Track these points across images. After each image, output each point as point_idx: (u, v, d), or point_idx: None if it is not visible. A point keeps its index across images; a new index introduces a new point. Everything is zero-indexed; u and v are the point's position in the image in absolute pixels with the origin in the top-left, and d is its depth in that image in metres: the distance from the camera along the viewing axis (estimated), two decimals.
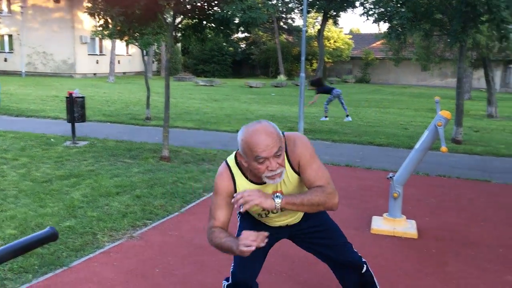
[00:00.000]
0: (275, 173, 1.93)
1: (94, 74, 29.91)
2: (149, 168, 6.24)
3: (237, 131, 8.23)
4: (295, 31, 37.66)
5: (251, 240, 1.84)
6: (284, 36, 38.29)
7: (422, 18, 8.84)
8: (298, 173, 2.08)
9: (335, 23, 34.43)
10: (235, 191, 2.07)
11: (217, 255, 3.56)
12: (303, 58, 10.05)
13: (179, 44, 31.76)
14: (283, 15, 37.83)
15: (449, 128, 10.21)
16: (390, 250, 3.83)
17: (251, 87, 25.13)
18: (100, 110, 12.57)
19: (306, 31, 11.50)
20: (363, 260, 2.41)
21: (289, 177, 2.07)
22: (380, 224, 4.29)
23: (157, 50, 32.68)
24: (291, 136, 2.09)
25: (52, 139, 8.03)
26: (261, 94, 20.83)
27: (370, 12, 9.65)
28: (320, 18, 34.01)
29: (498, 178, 6.42)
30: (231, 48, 37.94)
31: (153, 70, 33.52)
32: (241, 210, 1.89)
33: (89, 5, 6.43)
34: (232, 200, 1.93)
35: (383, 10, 9.68)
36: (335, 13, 29.89)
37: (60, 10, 28.13)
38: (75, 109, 7.67)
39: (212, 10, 6.82)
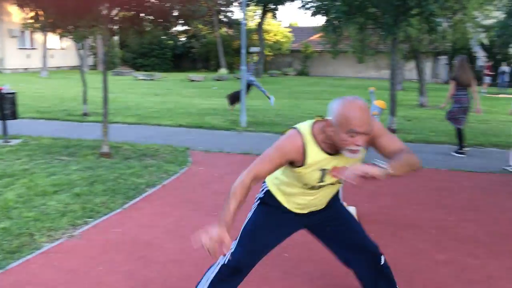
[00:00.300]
0: (357, 148, 2.03)
1: (25, 69, 28.38)
2: (88, 165, 6.06)
3: (180, 125, 8.10)
4: (235, 24, 37.62)
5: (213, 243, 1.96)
6: (225, 29, 38.17)
7: (357, 11, 9.13)
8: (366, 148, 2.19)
9: (274, 16, 34.77)
10: (304, 158, 2.14)
11: (164, 249, 3.55)
12: (243, 51, 10.10)
13: (116, 37, 30.82)
14: (223, 8, 37.69)
15: (384, 118, 10.66)
16: None
17: (192, 80, 24.88)
18: (33, 106, 11.99)
19: (246, 24, 11.55)
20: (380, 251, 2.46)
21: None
22: None
23: (93, 44, 31.53)
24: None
25: None
26: (203, 88, 20.69)
27: (308, 6, 9.85)
28: (259, 11, 34.20)
29: (430, 163, 6.79)
30: (170, 42, 37.30)
31: (89, 65, 32.32)
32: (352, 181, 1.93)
33: None
34: (352, 174, 1.94)
35: (320, 3, 9.92)
36: (274, 6, 30.16)
37: None
38: (5, 106, 7.28)
39: (150, 2, 6.69)
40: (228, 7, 37.40)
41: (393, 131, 9.48)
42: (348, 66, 34.58)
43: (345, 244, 2.46)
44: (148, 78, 25.29)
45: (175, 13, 6.86)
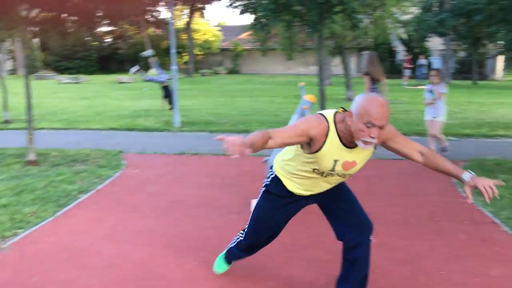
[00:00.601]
0: (371, 140, 2.24)
1: None
2: (14, 174, 5.74)
3: (110, 128, 7.86)
4: (162, 24, 36.99)
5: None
6: (152, 29, 37.42)
7: (283, 9, 9.34)
8: (375, 147, 2.41)
9: (202, 15, 34.61)
10: (324, 142, 2.33)
11: (101, 254, 3.46)
12: (173, 51, 9.99)
13: (36, 40, 29.26)
14: (150, 8, 36.92)
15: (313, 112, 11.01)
16: None
17: (121, 82, 24.21)
18: None
19: (174, 24, 11.44)
20: None
21: (368, 150, 2.42)
22: None
23: (11, 47, 29.70)
24: None
25: None
26: (133, 89, 20.21)
27: (235, 4, 9.92)
28: (187, 11, 33.89)
29: None
30: (95, 43, 36.02)
31: (8, 69, 30.44)
32: None
33: None
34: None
35: (247, 1, 10.03)
36: (201, 5, 30.02)
37: None
38: None
39: (72, 3, 6.45)
40: (155, 6, 36.68)
41: None
42: (278, 63, 35.17)
43: (344, 212, 2.64)
44: (73, 82, 24.29)
45: (100, 13, 6.66)
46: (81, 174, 5.77)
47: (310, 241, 3.77)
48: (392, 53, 34.44)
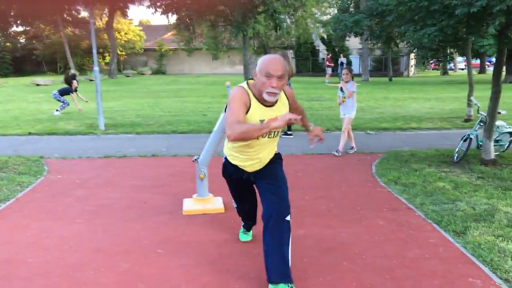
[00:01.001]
0: (274, 91, 2.67)
1: None
2: None
3: (29, 133, 7.61)
4: (81, 23, 35.53)
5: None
6: (70, 28, 35.82)
7: (207, 9, 9.41)
8: (289, 102, 2.97)
9: (124, 14, 33.68)
10: (249, 107, 2.76)
11: (26, 264, 3.33)
12: (94, 51, 9.69)
13: None
14: (66, 6, 35.30)
15: None
16: (203, 225, 4.12)
17: (38, 85, 22.97)
18: None
19: (94, 23, 11.08)
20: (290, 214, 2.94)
21: (284, 103, 2.91)
22: (191, 205, 4.56)
23: None
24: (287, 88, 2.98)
25: None
26: (51, 92, 19.23)
27: (158, 4, 9.83)
28: (107, 9, 32.80)
29: (286, 151, 7.34)
30: (8, 44, 33.83)
31: None
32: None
33: None
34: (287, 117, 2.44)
35: (170, 1, 9.97)
36: (122, 4, 29.22)
37: None
38: None
39: None
40: (73, 5, 35.13)
41: None
42: (204, 63, 35.11)
43: (269, 188, 2.96)
44: None
45: (13, 13, 6.31)
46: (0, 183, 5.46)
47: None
48: (314, 52, 35.67)
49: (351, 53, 34.97)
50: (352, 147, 7.25)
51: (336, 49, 32.73)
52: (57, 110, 11.96)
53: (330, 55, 27.53)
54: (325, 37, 31.43)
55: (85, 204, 4.75)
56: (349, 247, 3.62)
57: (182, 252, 3.56)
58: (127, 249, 3.60)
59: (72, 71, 12.87)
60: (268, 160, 3.09)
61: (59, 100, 12.11)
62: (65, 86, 12.43)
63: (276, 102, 2.82)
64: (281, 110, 2.85)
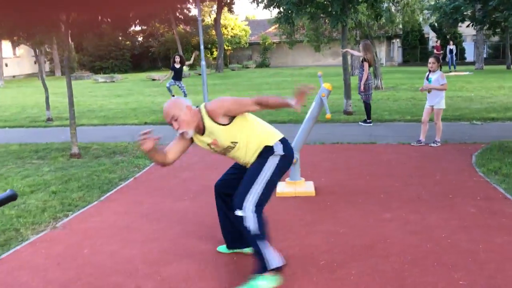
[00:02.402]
0: (180, 132, 2.93)
1: None
2: (60, 166, 6.30)
3: (145, 123, 8.50)
4: (192, 20, 37.67)
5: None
6: (182, 26, 38.15)
7: (307, 2, 9.62)
8: (226, 124, 2.92)
9: (230, 10, 35.03)
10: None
11: (141, 231, 3.91)
12: (202, 47, 10.41)
13: (71, 42, 30.36)
14: (178, 6, 37.61)
15: (340, 102, 11.24)
16: (293, 207, 4.42)
17: (153, 80, 24.93)
18: None
19: (203, 20, 11.86)
20: (246, 208, 2.86)
21: (216, 130, 2.93)
22: (283, 188, 4.88)
23: (48, 49, 30.97)
24: (208, 105, 2.96)
25: None
26: (165, 86, 20.81)
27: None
28: (215, 7, 34.37)
29: (382, 140, 7.37)
30: (128, 42, 37.03)
31: (46, 71, 31.76)
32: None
33: None
34: None
35: None
36: (228, 1, 30.44)
37: None
38: None
39: (108, 5, 6.91)
40: (184, 4, 37.34)
41: (349, 113, 10.06)
42: (306, 55, 35.26)
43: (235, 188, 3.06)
44: (109, 80, 25.18)
45: (131, 14, 7.11)
46: (120, 164, 6.27)
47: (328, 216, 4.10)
48: (423, 40, 33.98)
49: (465, 40, 32.73)
50: (420, 141, 6.94)
51: (448, 37, 30.89)
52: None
53: (439, 42, 26.11)
54: (436, 24, 29.82)
55: (190, 184, 5.31)
56: (435, 230, 3.67)
57: (272, 228, 3.89)
58: None
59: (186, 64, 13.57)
60: (251, 161, 3.06)
61: (179, 87, 12.66)
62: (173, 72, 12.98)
63: (203, 129, 2.96)
64: (214, 132, 2.94)
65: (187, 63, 13.05)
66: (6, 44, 25.52)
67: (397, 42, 34.49)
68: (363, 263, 3.16)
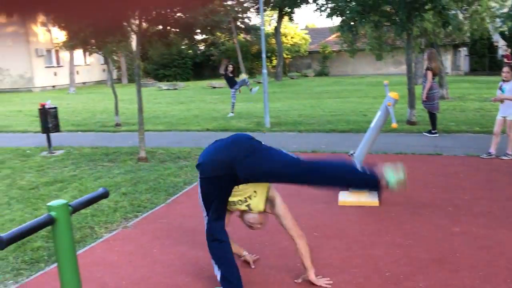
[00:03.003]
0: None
1: (53, 86, 29.54)
2: (129, 169, 6.61)
3: (207, 129, 8.70)
4: (252, 29, 38.18)
5: None
6: (242, 35, 38.78)
7: (371, 10, 9.51)
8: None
9: (291, 19, 35.19)
10: None
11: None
12: (263, 55, 10.56)
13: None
14: (239, 15, 38.32)
15: (404, 111, 10.97)
16: (356, 217, 4.38)
17: (214, 87, 25.49)
18: (68, 120, 12.70)
19: (264, 30, 12.03)
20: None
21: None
22: (347, 197, 4.84)
23: (116, 58, 32.51)
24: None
25: (28, 151, 8.24)
26: (225, 94, 21.22)
27: (323, 8, 10.25)
28: (275, 16, 34.67)
29: (448, 151, 7.12)
30: (190, 51, 38.13)
31: (114, 78, 33.35)
32: None
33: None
34: None
35: (334, 5, 10.32)
36: (289, 9, 30.61)
37: (13, 24, 27.65)
38: (49, 119, 7.91)
39: (176, 16, 7.22)
40: (245, 13, 38.00)
41: (413, 123, 9.80)
42: (367, 64, 34.70)
43: None
44: (172, 88, 26.02)
45: (199, 25, 7.37)
46: (185, 169, 6.48)
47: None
48: (492, 48, 32.47)
49: None
50: (490, 153, 6.60)
51: None
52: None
53: (510, 51, 24.82)
54: (506, 32, 28.41)
55: None
56: (507, 246, 3.51)
57: (335, 237, 3.88)
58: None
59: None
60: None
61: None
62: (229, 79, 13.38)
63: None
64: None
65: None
66: (78, 53, 27.02)
67: (463, 51, 33.17)
68: (431, 277, 3.08)
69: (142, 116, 7.19)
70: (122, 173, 6.35)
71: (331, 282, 3.04)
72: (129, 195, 5.24)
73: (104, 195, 1.60)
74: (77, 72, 30.28)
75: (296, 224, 3.08)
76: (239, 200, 3.01)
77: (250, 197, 3.00)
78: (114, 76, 34.72)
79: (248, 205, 3.02)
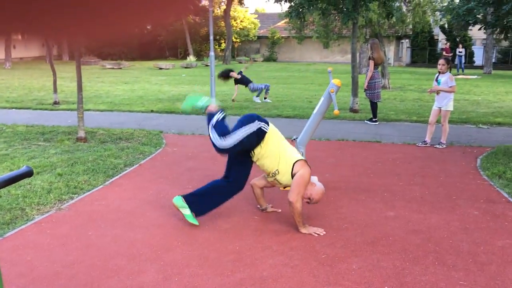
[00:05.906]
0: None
1: None
2: (66, 149, 6.34)
3: (151, 111, 8.52)
4: (201, 11, 37.53)
5: None
6: (191, 16, 38.03)
7: None
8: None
9: (241, 2, 34.92)
10: None
11: (145, 216, 3.94)
12: (211, 38, 10.40)
13: None
14: None
15: (347, 99, 11.23)
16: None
17: (160, 68, 24.94)
18: (2, 96, 12.01)
19: (213, 11, 11.85)
20: None
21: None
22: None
23: None
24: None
25: None
26: (171, 75, 20.83)
27: None
28: None
29: (387, 139, 7.37)
30: (136, 29, 36.99)
31: (54, 54, 31.78)
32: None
33: None
34: None
35: None
36: None
37: None
38: None
39: None
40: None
41: (355, 111, 10.05)
42: (314, 52, 35.17)
43: None
44: (116, 67, 25.20)
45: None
46: (126, 150, 6.30)
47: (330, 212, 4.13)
48: (432, 41, 33.84)
49: (474, 43, 32.58)
50: (425, 141, 6.93)
51: (458, 39, 30.73)
52: (265, 98, 12.46)
53: (449, 44, 25.99)
54: (446, 26, 29.69)
55: (194, 173, 5.34)
56: (436, 231, 3.70)
57: (274, 220, 3.93)
58: (228, 213, 4.06)
59: (233, 70, 13.16)
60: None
61: (256, 89, 12.40)
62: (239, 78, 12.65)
63: None
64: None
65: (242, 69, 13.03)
66: None
67: (406, 43, 34.35)
68: (364, 259, 3.19)
69: (81, 94, 6.90)
70: (59, 153, 6.09)
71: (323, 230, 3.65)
72: (65, 176, 5.03)
73: (28, 173, 1.50)
74: (14, 47, 28.60)
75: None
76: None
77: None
78: (54, 52, 33.12)
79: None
